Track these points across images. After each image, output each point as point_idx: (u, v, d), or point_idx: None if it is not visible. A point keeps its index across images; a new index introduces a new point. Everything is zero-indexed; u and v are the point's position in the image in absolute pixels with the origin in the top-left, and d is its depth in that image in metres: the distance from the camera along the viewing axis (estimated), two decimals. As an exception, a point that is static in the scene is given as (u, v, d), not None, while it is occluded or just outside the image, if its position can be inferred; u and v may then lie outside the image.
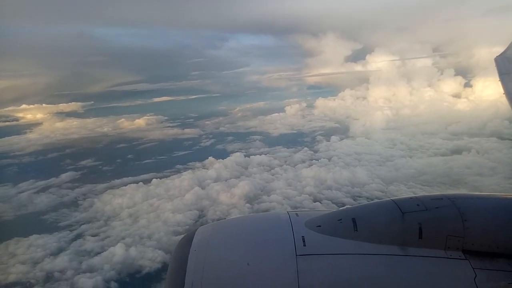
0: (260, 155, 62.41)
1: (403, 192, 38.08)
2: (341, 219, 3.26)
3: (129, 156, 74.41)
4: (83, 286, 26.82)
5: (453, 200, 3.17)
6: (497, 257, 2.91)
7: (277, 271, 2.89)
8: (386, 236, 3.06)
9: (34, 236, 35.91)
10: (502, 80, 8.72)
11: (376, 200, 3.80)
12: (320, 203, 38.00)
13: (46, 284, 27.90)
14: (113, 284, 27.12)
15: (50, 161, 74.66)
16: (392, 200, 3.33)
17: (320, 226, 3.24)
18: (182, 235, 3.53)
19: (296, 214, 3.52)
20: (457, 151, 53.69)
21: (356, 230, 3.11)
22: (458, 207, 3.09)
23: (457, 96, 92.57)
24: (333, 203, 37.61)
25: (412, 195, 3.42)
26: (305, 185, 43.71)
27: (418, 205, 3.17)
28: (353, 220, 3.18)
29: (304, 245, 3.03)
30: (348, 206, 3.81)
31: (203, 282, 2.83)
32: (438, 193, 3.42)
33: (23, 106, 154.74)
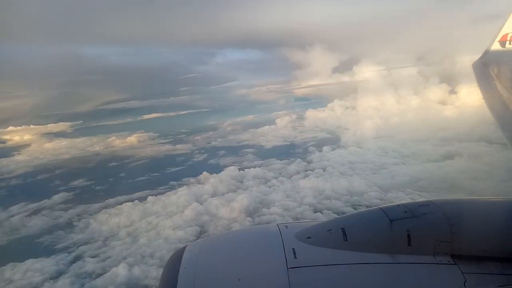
0: (254, 168, 62.25)
1: (402, 199, 38.49)
2: (330, 230, 3.30)
3: (122, 174, 73.30)
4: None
5: (439, 206, 3.24)
6: (485, 260, 2.98)
7: (268, 285, 2.90)
8: (376, 244, 3.10)
9: (31, 260, 34.87)
10: (480, 85, 9.06)
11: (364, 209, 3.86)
12: (321, 213, 38.04)
13: (48, 310, 27.03)
14: (118, 306, 26.47)
15: (41, 182, 72.97)
16: (380, 208, 3.39)
17: (310, 237, 3.26)
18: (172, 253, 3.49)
19: (286, 226, 3.54)
20: (449, 156, 54.70)
21: (346, 240, 3.14)
22: (445, 212, 3.16)
23: (443, 103, 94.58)
24: (334, 213, 37.69)
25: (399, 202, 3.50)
26: (303, 196, 43.78)
27: (405, 212, 3.23)
28: (343, 230, 3.22)
29: (295, 257, 3.03)
30: (337, 216, 3.86)
31: None
32: (425, 199, 3.49)
33: (10, 128, 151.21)
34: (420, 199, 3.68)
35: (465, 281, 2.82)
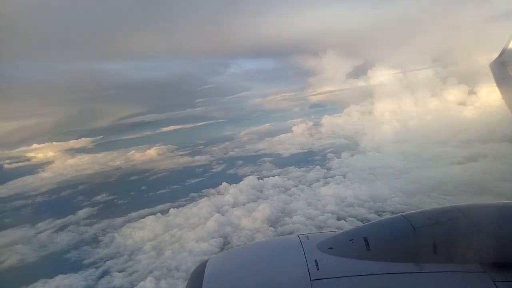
0: (273, 176, 62.08)
1: (428, 203, 37.67)
2: (352, 239, 3.25)
3: (143, 187, 74.43)
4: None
5: (464, 212, 3.14)
6: None
7: None
8: (400, 253, 3.02)
9: (60, 276, 35.66)
10: (499, 85, 8.81)
11: (386, 217, 3.81)
12: (345, 221, 37.64)
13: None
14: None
15: (65, 198, 74.62)
16: (402, 215, 3.31)
17: (332, 248, 3.22)
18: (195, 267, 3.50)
19: (307, 237, 3.52)
20: (473, 158, 53.34)
21: (369, 249, 3.08)
22: (471, 218, 3.07)
23: (462, 104, 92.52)
24: (358, 220, 37.26)
25: (424, 208, 3.43)
26: (325, 203, 43.44)
27: (429, 218, 3.14)
28: (365, 239, 3.16)
29: (318, 269, 2.99)
30: (361, 224, 3.76)
31: None
32: (451, 203, 3.40)
33: (34, 145, 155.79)
34: (446, 203, 3.64)
35: None
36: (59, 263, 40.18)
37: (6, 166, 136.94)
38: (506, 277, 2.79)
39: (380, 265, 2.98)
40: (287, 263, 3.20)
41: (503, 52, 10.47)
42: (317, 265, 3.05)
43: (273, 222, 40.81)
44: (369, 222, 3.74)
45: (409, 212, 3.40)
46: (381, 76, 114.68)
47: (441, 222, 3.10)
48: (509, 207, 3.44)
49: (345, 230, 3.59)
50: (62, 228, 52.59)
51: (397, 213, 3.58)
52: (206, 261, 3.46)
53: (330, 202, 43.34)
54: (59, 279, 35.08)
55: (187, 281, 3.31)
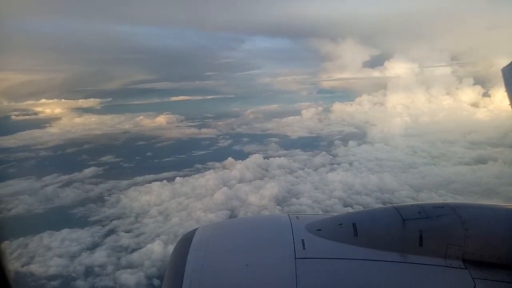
0: (279, 157, 62.25)
1: (436, 200, 37.94)
2: (341, 224, 3.29)
3: (148, 153, 74.81)
4: (126, 282, 27.00)
5: (454, 209, 3.18)
6: (497, 268, 2.92)
7: (275, 273, 2.92)
8: (386, 242, 3.08)
9: (66, 230, 36.07)
10: (509, 91, 8.66)
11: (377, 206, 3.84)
12: (352, 208, 37.90)
13: (88, 279, 28.09)
14: (155, 281, 27.20)
15: (71, 156, 74.96)
16: (394, 206, 3.36)
17: (320, 230, 3.27)
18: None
19: (297, 217, 3.57)
20: (482, 160, 53.34)
21: (356, 236, 3.12)
22: (460, 215, 3.10)
23: (475, 105, 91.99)
24: (364, 208, 37.55)
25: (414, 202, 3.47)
26: (333, 189, 43.73)
27: (419, 212, 3.18)
28: (354, 225, 3.20)
29: (304, 248, 3.05)
30: (349, 211, 3.82)
31: (201, 281, 2.86)
32: (440, 201, 3.45)
33: (43, 100, 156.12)
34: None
35: (475, 286, 2.79)
36: (65, 217, 40.65)
37: (14, 117, 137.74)
38: (486, 275, 2.86)
39: (365, 251, 3.03)
40: (274, 240, 3.26)
41: None
42: (303, 245, 3.10)
43: (280, 201, 41.14)
44: (360, 210, 3.91)
45: (401, 203, 3.46)
46: (398, 68, 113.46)
47: (430, 217, 3.14)
48: (499, 209, 3.47)
49: (335, 214, 3.63)
50: (68, 184, 52.93)
51: (386, 205, 3.59)
52: (195, 229, 3.50)
53: (338, 188, 43.62)
54: (66, 232, 35.46)
55: (173, 247, 3.35)
